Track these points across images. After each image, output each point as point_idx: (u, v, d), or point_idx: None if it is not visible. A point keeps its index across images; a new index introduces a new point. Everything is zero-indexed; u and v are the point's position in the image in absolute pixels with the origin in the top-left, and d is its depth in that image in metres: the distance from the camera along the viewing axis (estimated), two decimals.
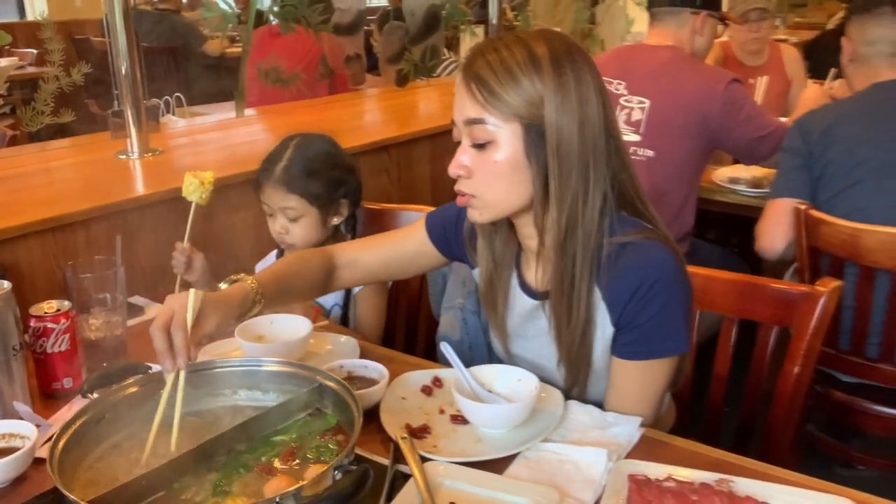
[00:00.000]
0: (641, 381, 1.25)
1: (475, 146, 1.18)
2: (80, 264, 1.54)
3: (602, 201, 1.18)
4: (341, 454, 1.00)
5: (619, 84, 2.43)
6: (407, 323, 2.07)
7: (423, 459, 1.12)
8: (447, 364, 1.32)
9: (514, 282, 1.35)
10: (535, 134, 1.15)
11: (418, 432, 1.21)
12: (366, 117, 3.28)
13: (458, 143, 1.22)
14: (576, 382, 1.29)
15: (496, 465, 1.12)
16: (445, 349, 1.27)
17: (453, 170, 1.21)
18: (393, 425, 1.21)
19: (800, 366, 1.47)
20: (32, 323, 1.36)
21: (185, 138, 2.77)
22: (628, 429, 1.19)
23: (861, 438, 2.31)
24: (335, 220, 1.85)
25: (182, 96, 3.59)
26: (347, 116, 3.20)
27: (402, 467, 1.12)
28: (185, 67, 5.43)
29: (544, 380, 1.31)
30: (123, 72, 2.29)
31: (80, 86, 2.34)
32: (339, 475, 0.97)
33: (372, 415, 1.26)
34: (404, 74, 3.60)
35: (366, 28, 4.22)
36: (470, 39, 4.05)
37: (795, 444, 1.16)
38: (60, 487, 0.93)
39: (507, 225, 1.32)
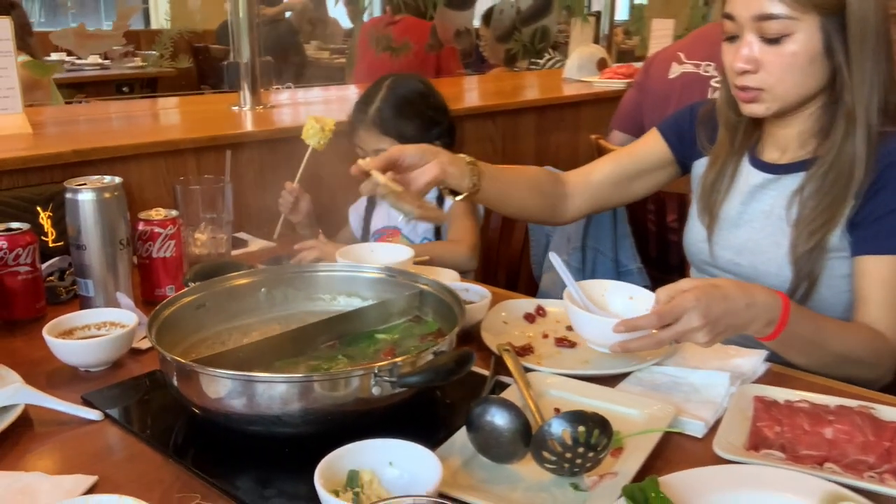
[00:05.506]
0: (890, 281, 1.15)
1: (766, 40, 1.14)
2: (190, 181, 1.56)
3: (883, 90, 1.16)
4: (443, 341, 0.94)
5: (708, 66, 2.29)
6: (507, 284, 2.01)
7: (527, 371, 1.05)
8: None
9: (745, 161, 1.32)
10: (835, 23, 1.12)
11: (521, 351, 1.14)
12: (472, 92, 3.25)
13: (731, 37, 1.18)
14: (799, 283, 1.20)
15: (605, 384, 1.04)
16: (554, 259, 1.19)
17: (741, 65, 1.16)
18: (494, 343, 1.15)
19: None
20: (140, 226, 1.37)
21: (294, 101, 2.80)
22: (753, 360, 1.09)
23: None
24: None
25: (293, 85, 3.67)
26: (455, 89, 3.18)
27: (504, 378, 1.06)
28: (296, 68, 5.70)
29: (750, 271, 1.25)
30: (240, 23, 2.32)
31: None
32: None
33: (472, 335, 1.20)
34: (513, 54, 3.56)
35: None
36: (581, 28, 3.96)
37: None
38: (156, 345, 0.91)
39: None
